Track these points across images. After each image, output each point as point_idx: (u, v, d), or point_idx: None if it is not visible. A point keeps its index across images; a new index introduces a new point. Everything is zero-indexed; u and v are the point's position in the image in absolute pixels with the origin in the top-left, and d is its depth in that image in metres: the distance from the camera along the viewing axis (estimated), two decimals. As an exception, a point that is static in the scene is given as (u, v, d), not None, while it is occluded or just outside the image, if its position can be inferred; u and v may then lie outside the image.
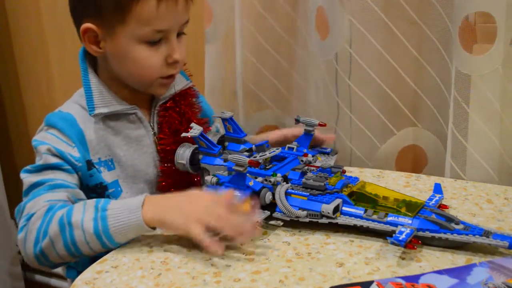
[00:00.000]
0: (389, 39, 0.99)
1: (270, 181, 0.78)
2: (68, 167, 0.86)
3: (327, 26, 1.04)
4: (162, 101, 0.95)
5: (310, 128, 0.91)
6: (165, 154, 0.93)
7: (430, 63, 1.00)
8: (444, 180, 0.91)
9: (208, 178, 0.82)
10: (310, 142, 0.92)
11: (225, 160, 0.85)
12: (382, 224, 0.71)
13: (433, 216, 0.72)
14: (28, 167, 0.87)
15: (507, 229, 0.74)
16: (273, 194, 0.77)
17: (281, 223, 0.76)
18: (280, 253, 0.70)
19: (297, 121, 0.93)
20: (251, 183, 0.76)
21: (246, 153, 0.88)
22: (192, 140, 0.89)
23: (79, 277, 0.69)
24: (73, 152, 0.87)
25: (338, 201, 0.75)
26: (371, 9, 0.97)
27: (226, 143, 0.93)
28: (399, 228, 0.69)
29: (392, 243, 0.67)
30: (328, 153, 0.93)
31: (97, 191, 0.90)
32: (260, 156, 0.80)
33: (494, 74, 0.87)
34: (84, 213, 0.76)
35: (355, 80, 1.03)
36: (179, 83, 0.97)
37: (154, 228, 0.75)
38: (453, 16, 0.91)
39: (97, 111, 0.89)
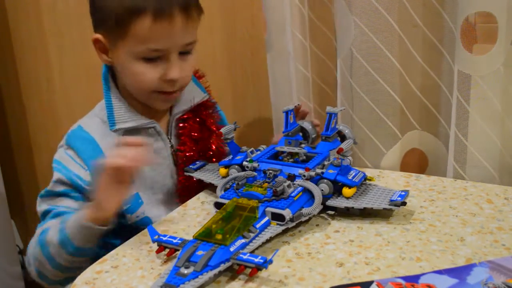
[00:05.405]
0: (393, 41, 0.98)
1: (247, 165, 0.85)
2: (75, 194, 0.90)
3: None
4: (180, 114, 0.97)
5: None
6: (186, 163, 0.95)
7: (432, 65, 1.00)
8: (444, 180, 0.91)
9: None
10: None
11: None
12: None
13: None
14: (42, 192, 0.92)
15: (507, 229, 0.74)
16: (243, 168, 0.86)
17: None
18: (280, 253, 0.70)
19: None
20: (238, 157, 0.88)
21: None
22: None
23: (79, 277, 0.69)
24: (84, 176, 0.90)
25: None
26: (376, 10, 0.96)
27: None
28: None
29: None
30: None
31: None
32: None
33: (495, 74, 0.87)
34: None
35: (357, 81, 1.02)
36: (197, 96, 0.98)
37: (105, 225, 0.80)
38: (455, 16, 0.91)
39: (117, 126, 0.91)
